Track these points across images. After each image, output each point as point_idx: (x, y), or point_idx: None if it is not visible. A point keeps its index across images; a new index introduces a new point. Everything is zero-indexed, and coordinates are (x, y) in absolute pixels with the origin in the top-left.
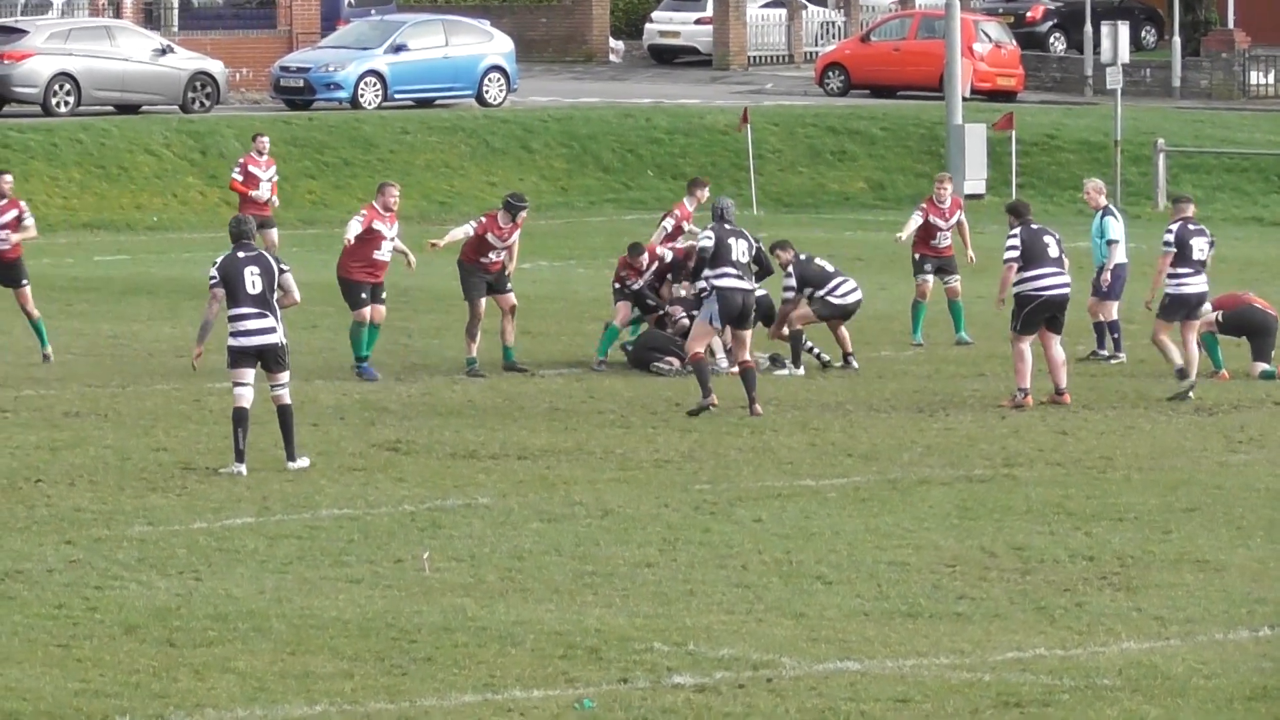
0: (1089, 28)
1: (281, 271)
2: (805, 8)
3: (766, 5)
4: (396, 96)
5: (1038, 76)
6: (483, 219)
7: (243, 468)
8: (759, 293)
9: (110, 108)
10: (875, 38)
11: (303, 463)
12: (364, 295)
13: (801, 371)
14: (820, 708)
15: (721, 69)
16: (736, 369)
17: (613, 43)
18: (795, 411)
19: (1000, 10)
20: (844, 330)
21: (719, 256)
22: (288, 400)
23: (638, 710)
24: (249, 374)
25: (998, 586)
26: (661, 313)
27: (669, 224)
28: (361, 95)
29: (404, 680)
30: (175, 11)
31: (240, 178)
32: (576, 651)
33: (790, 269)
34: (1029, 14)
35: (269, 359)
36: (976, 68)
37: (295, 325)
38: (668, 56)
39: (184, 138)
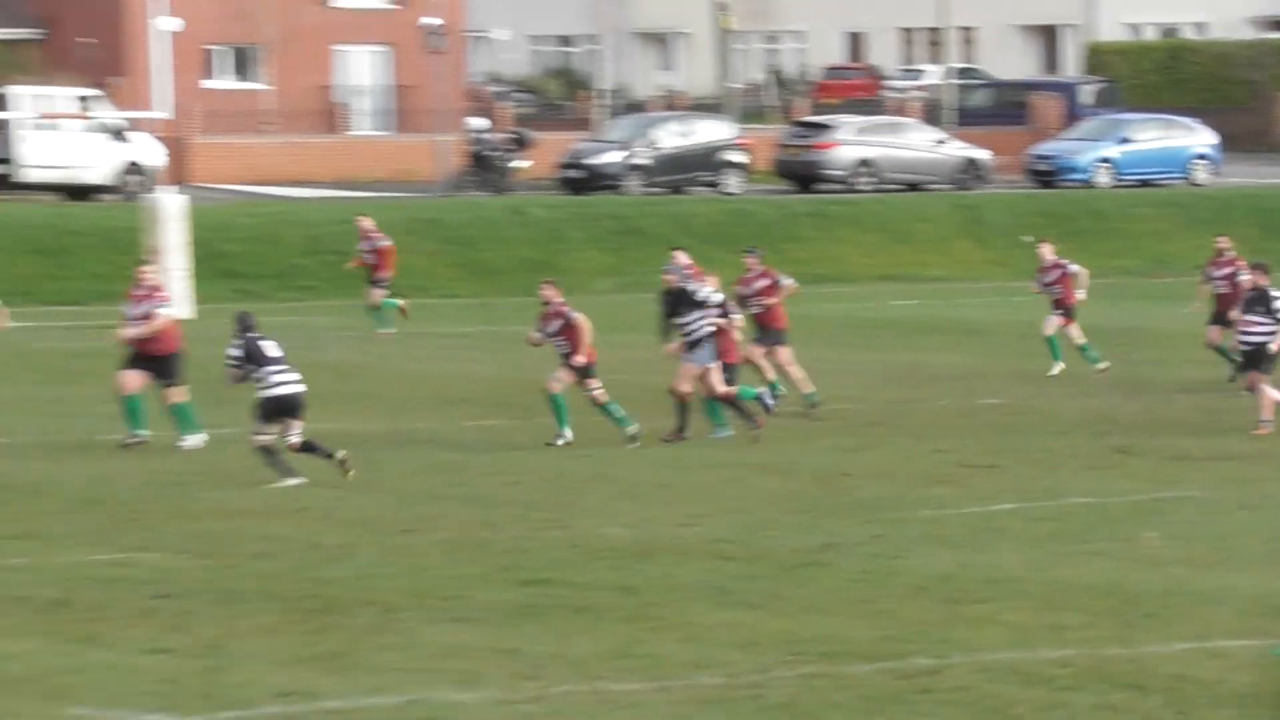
0: None
1: None
2: None
3: None
4: (1123, 177)
5: None
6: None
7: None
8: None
9: (899, 186)
10: None
11: None
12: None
13: None
14: None
15: None
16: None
17: None
18: None
19: None
20: None
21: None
22: None
23: None
24: None
25: None
26: None
27: None
28: (1095, 176)
29: (1132, 631)
30: (951, 111)
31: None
32: (1269, 610)
33: None
34: None
35: None
36: None
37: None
38: None
39: (957, 210)
